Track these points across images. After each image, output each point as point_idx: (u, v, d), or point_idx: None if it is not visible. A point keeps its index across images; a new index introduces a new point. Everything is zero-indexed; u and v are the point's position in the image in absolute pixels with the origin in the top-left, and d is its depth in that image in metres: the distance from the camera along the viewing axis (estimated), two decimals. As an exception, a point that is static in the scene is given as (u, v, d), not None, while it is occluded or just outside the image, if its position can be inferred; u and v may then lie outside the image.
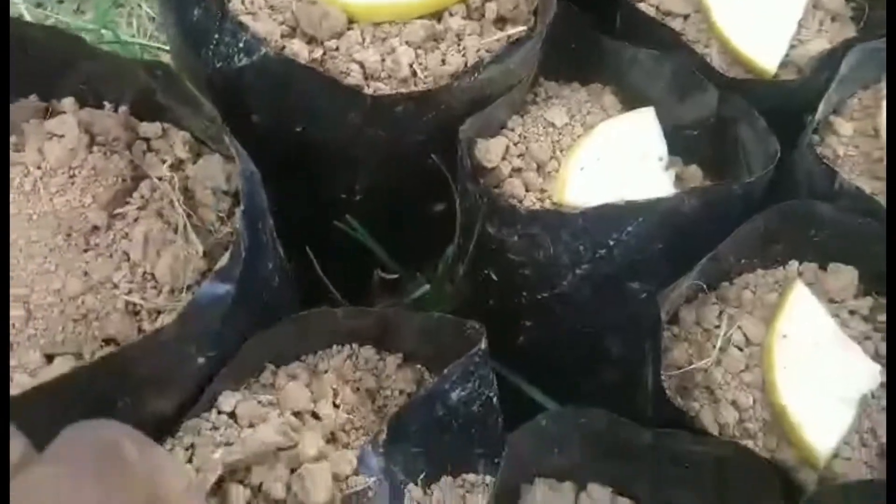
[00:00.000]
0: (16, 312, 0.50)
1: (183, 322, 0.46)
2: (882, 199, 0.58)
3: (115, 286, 0.51)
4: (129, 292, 0.51)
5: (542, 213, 0.55)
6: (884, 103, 0.63)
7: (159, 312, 0.50)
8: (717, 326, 0.58)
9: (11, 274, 0.50)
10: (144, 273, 0.51)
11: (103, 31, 0.93)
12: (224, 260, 0.48)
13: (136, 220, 0.53)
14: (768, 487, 0.46)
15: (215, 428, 0.50)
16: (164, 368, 0.47)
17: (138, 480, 0.33)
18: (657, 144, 0.63)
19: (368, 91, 0.57)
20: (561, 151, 0.63)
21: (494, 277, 0.61)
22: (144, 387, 0.47)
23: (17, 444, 0.32)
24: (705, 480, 0.50)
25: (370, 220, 0.66)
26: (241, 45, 0.55)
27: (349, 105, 0.55)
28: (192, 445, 0.49)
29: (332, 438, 0.51)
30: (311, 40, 0.59)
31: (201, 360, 0.48)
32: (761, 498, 0.46)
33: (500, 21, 0.63)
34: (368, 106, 0.55)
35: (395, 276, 0.69)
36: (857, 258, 0.58)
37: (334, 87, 0.55)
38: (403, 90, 0.58)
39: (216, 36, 0.57)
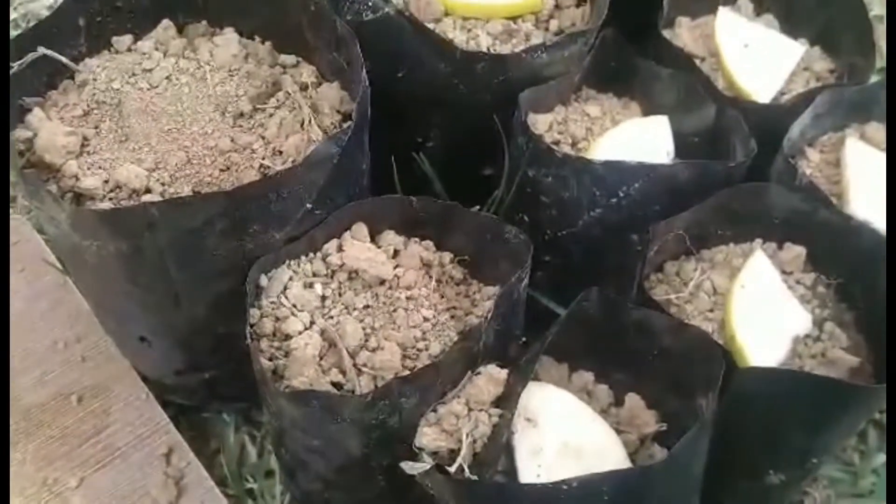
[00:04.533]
0: (179, 156, 0.67)
1: (304, 165, 0.62)
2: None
3: (254, 151, 0.68)
4: (264, 158, 0.68)
5: (572, 158, 0.72)
6: (847, 142, 0.81)
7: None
8: (692, 278, 0.74)
9: (180, 132, 0.68)
10: (275, 148, 0.69)
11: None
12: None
13: (271, 114, 0.71)
14: (716, 363, 0.61)
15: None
16: (284, 204, 0.64)
17: None
18: (667, 143, 0.81)
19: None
20: (592, 136, 0.81)
21: (526, 219, 0.79)
22: (269, 218, 0.64)
23: None
24: (666, 366, 0.65)
25: (435, 166, 0.83)
26: (369, 3, 0.73)
27: (443, 56, 0.73)
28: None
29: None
30: (415, 20, 0.78)
31: (309, 205, 0.65)
32: (710, 371, 0.60)
33: (561, 33, 0.82)
34: (458, 58, 0.73)
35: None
36: (808, 241, 0.74)
37: (436, 41, 0.73)
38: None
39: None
